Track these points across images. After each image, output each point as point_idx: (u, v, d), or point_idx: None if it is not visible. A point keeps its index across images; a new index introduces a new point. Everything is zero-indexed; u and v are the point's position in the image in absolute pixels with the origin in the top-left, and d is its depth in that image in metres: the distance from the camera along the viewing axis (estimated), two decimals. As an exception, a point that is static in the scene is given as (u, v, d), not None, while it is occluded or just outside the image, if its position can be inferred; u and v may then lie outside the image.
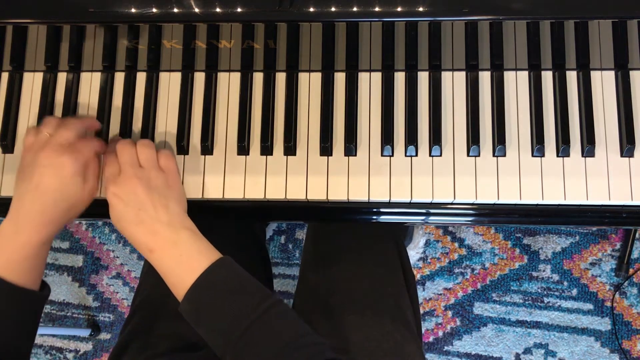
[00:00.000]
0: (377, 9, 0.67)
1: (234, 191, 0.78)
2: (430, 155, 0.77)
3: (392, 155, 0.78)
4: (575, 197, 0.76)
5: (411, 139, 0.77)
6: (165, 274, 0.68)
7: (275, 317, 0.64)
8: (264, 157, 0.79)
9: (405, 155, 0.78)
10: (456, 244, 1.55)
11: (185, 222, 0.71)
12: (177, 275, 0.67)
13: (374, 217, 0.80)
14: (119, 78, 0.82)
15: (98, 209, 0.75)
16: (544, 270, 1.52)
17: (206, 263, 0.67)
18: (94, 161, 0.74)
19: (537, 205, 0.77)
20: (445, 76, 0.79)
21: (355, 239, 0.94)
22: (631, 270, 1.49)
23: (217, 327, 0.64)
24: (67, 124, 0.73)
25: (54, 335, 1.61)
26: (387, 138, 0.77)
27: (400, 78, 0.80)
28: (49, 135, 0.72)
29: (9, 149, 0.81)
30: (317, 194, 0.77)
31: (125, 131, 0.80)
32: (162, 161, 0.74)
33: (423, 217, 0.80)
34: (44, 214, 0.69)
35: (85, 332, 1.58)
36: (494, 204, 0.78)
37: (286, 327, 0.64)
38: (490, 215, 0.79)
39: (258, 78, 0.81)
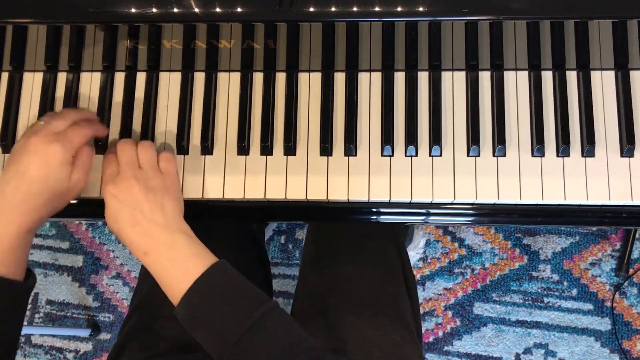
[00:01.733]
0: (377, 9, 0.67)
1: (234, 191, 0.78)
2: (430, 155, 0.77)
3: (392, 155, 0.78)
4: (575, 197, 0.76)
5: (411, 139, 0.77)
6: (159, 277, 0.68)
7: (273, 322, 0.64)
8: (264, 157, 0.79)
9: (405, 155, 0.78)
10: (456, 244, 1.55)
11: (182, 225, 0.70)
12: (172, 278, 0.66)
13: (374, 217, 0.80)
14: (119, 78, 0.82)
15: (99, 210, 0.75)
16: (544, 270, 1.52)
17: (202, 267, 0.66)
18: (85, 151, 0.72)
19: (537, 205, 0.77)
20: (445, 76, 0.79)
21: (355, 239, 0.94)
22: (631, 270, 1.49)
23: (213, 332, 0.64)
24: (62, 113, 0.73)
25: (54, 335, 1.61)
26: (387, 138, 0.77)
27: (400, 78, 0.80)
28: (43, 124, 0.71)
29: (9, 149, 0.81)
30: (317, 194, 0.77)
31: (125, 131, 0.80)
32: (162, 164, 0.74)
33: (423, 217, 0.80)
34: (26, 202, 0.67)
35: (85, 332, 1.58)
36: (494, 204, 0.78)
37: (283, 332, 0.64)
38: (490, 215, 0.79)
39: (258, 78, 0.81)
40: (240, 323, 0.62)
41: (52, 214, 0.71)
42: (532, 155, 0.77)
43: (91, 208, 0.75)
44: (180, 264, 0.66)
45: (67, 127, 0.71)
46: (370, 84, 0.80)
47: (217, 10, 0.68)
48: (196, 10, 0.68)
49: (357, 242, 0.93)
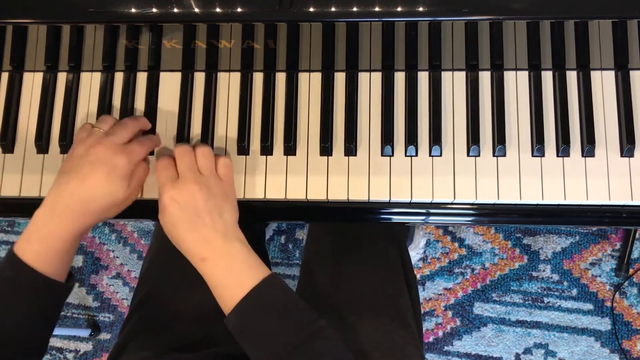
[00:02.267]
0: (377, 9, 0.67)
1: (234, 191, 0.78)
2: (430, 155, 0.77)
3: (392, 155, 0.78)
4: (575, 197, 0.76)
5: (411, 138, 0.77)
6: (213, 284, 0.68)
7: (322, 340, 0.64)
8: (264, 157, 0.79)
9: (405, 155, 0.78)
10: (456, 244, 1.55)
11: (239, 234, 0.70)
12: (226, 287, 0.67)
13: (374, 217, 0.80)
14: (119, 78, 0.82)
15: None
16: (544, 270, 1.52)
17: (256, 278, 0.66)
18: (142, 167, 0.73)
19: (537, 205, 0.77)
20: (445, 76, 0.79)
21: (356, 239, 0.94)
22: (631, 270, 1.49)
23: (263, 344, 0.64)
24: (124, 124, 0.73)
25: (54, 335, 1.61)
26: (387, 138, 0.77)
27: (400, 78, 0.80)
28: (103, 132, 0.72)
29: (9, 149, 0.81)
30: (317, 194, 0.77)
31: (125, 131, 0.80)
32: (221, 169, 0.73)
33: (423, 217, 0.80)
34: (82, 206, 0.68)
35: (85, 332, 1.58)
36: (494, 204, 0.78)
37: (332, 351, 0.64)
38: (490, 215, 0.79)
39: (258, 78, 0.81)
40: (290, 338, 0.63)
41: (100, 221, 0.71)
42: (532, 155, 0.77)
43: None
44: (236, 273, 0.67)
45: (129, 140, 0.72)
46: (370, 84, 0.80)
47: (217, 10, 0.68)
48: (196, 10, 0.68)
49: (358, 242, 0.93)
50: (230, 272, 0.67)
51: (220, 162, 0.73)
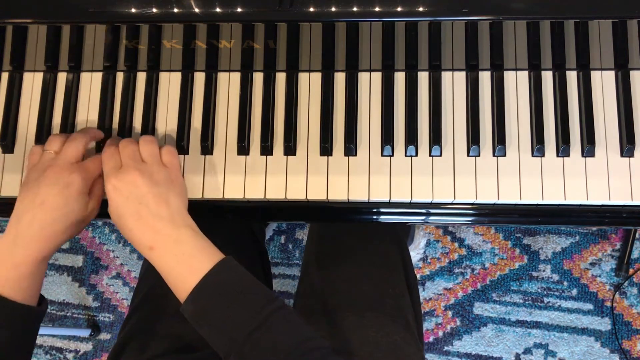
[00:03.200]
0: (377, 9, 0.67)
1: (234, 191, 0.78)
2: (430, 155, 0.77)
3: (392, 155, 0.78)
4: (575, 197, 0.76)
5: (411, 138, 0.77)
6: (165, 273, 0.67)
7: (280, 321, 0.63)
8: (264, 157, 0.79)
9: (405, 155, 0.78)
10: (456, 244, 1.55)
11: (187, 220, 0.69)
12: (179, 274, 0.66)
13: (374, 217, 0.80)
14: (119, 78, 0.82)
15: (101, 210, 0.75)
16: (544, 270, 1.52)
17: (209, 263, 0.65)
18: (100, 182, 0.73)
19: (537, 205, 0.77)
20: (445, 76, 0.79)
21: (357, 239, 0.94)
22: (631, 270, 1.49)
23: (221, 330, 0.63)
24: (74, 140, 0.73)
25: (54, 336, 1.61)
26: (387, 138, 0.77)
27: (400, 78, 0.80)
28: (54, 153, 0.72)
29: (9, 149, 0.81)
30: (317, 194, 0.77)
31: (125, 131, 0.80)
32: (166, 157, 0.73)
33: (423, 217, 0.80)
34: (43, 230, 0.68)
35: (85, 332, 1.58)
36: (494, 204, 0.78)
37: (291, 331, 0.63)
38: (490, 215, 0.79)
39: (258, 78, 0.81)
40: (248, 322, 0.62)
41: (66, 241, 0.71)
42: (532, 155, 0.77)
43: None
44: (187, 259, 0.65)
45: (81, 156, 0.72)
46: (370, 84, 0.80)
47: (217, 10, 0.68)
48: (196, 10, 0.68)
49: (359, 243, 0.93)
50: (181, 258, 0.65)
51: (165, 150, 0.73)
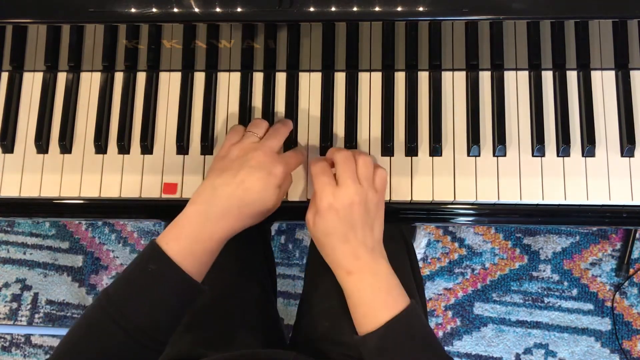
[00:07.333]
0: (377, 9, 0.67)
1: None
2: (430, 155, 0.77)
3: (393, 155, 0.78)
4: (576, 197, 0.76)
5: (411, 139, 0.77)
6: (356, 300, 0.67)
7: None
8: (264, 157, 0.79)
9: (406, 155, 0.78)
10: (456, 244, 1.55)
11: (383, 251, 0.69)
12: (371, 306, 0.66)
13: (374, 217, 0.80)
14: (119, 78, 0.82)
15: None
16: (544, 270, 1.52)
17: (401, 304, 0.66)
18: (290, 178, 0.74)
19: (537, 205, 0.77)
20: (446, 76, 0.79)
21: None
22: (631, 270, 1.49)
23: None
24: (278, 131, 0.73)
25: (54, 336, 1.61)
26: (388, 138, 0.77)
27: (400, 78, 0.80)
28: (259, 137, 0.72)
29: (9, 149, 0.81)
30: (317, 194, 0.77)
31: (125, 131, 0.80)
32: (378, 181, 0.70)
33: (423, 217, 0.80)
34: (240, 209, 0.67)
35: (85, 332, 1.58)
36: (494, 204, 0.78)
37: None
38: (491, 215, 0.79)
39: (258, 78, 0.81)
40: None
41: (244, 228, 0.70)
42: (533, 155, 0.77)
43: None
44: (383, 294, 0.66)
45: (281, 149, 0.73)
46: (370, 84, 0.80)
47: (217, 10, 0.68)
48: (196, 10, 0.68)
49: None
50: (378, 292, 0.66)
51: (379, 173, 0.71)
